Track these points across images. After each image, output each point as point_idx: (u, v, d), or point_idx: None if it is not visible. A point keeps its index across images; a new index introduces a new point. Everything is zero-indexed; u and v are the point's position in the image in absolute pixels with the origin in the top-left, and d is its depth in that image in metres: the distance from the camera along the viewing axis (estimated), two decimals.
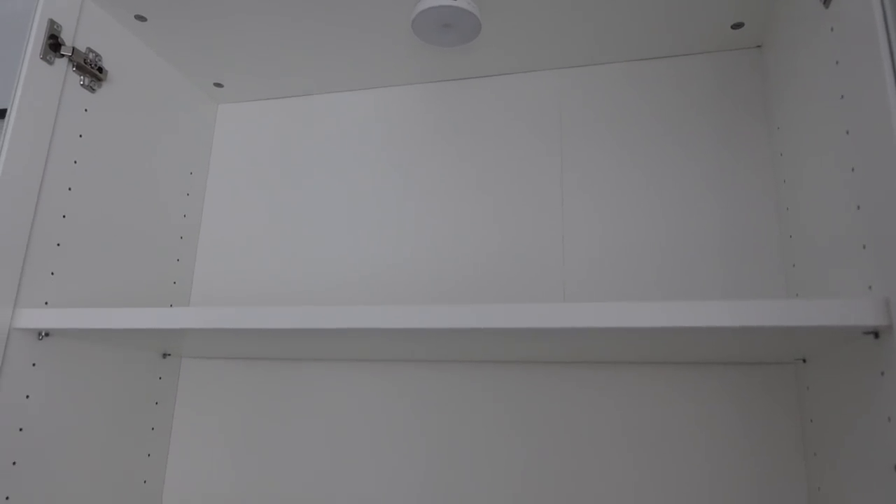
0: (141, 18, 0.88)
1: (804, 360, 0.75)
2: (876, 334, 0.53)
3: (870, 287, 0.54)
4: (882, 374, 0.53)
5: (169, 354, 0.97)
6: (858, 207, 0.56)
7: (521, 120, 0.98)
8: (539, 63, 0.97)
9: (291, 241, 1.02)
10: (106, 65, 0.85)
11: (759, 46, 0.90)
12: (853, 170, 0.57)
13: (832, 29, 0.62)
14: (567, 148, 0.94)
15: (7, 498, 0.70)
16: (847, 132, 0.58)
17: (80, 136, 0.82)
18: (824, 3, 0.63)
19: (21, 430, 0.72)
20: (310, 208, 1.03)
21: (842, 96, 0.60)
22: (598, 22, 0.86)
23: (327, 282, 0.99)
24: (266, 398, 0.96)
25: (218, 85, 1.05)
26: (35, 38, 0.75)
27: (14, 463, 0.71)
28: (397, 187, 1.00)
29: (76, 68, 0.80)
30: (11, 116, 0.73)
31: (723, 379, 0.81)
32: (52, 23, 0.77)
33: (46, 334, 0.76)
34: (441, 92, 1.03)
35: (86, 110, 0.82)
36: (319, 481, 0.91)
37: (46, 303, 0.76)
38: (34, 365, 0.74)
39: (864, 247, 0.55)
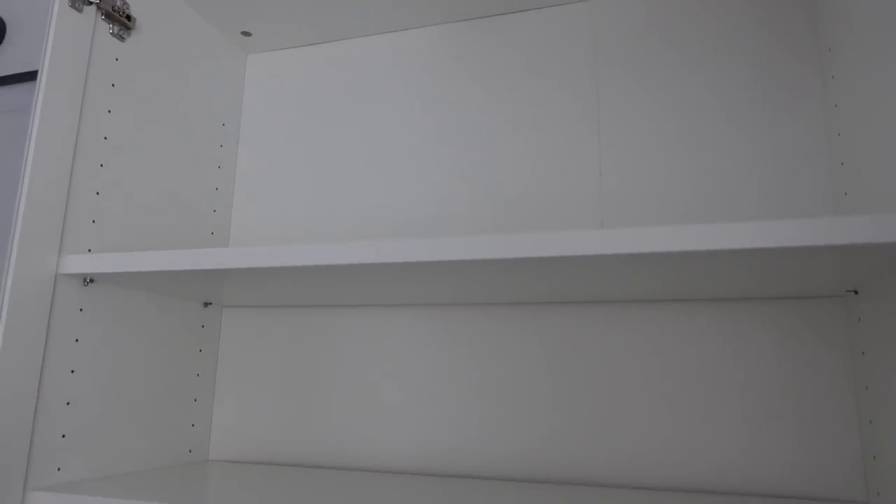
0: None
1: (856, 292, 0.72)
2: None
3: None
4: None
5: (210, 303, 0.99)
6: None
7: (554, 54, 0.94)
8: None
9: (327, 186, 1.02)
10: (134, 13, 0.85)
11: None
12: None
13: None
14: (603, 80, 0.91)
15: (63, 436, 0.73)
16: None
17: (113, 85, 0.82)
18: None
19: (73, 371, 0.75)
20: (343, 153, 1.02)
21: None
22: None
23: (364, 224, 0.99)
24: (306, 344, 0.98)
25: (246, 34, 1.04)
26: None
27: (68, 403, 0.74)
28: (431, 128, 0.98)
29: (105, 16, 0.80)
30: (45, 66, 0.73)
31: (771, 315, 0.78)
32: None
33: (91, 280, 0.78)
34: (474, 30, 1.00)
35: (116, 59, 0.83)
36: (360, 423, 0.92)
37: (89, 250, 0.78)
38: (81, 310, 0.77)
39: None
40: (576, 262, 0.59)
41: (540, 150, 0.92)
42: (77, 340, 0.76)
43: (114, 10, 0.81)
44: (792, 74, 0.83)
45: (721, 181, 0.83)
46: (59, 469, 0.73)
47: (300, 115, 1.06)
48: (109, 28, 0.81)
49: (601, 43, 0.92)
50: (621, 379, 0.83)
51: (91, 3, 0.78)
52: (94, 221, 0.79)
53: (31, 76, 1.26)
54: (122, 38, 0.83)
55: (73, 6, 0.75)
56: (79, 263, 0.73)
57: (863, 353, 0.70)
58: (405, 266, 0.64)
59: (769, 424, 0.76)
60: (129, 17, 0.83)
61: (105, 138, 0.81)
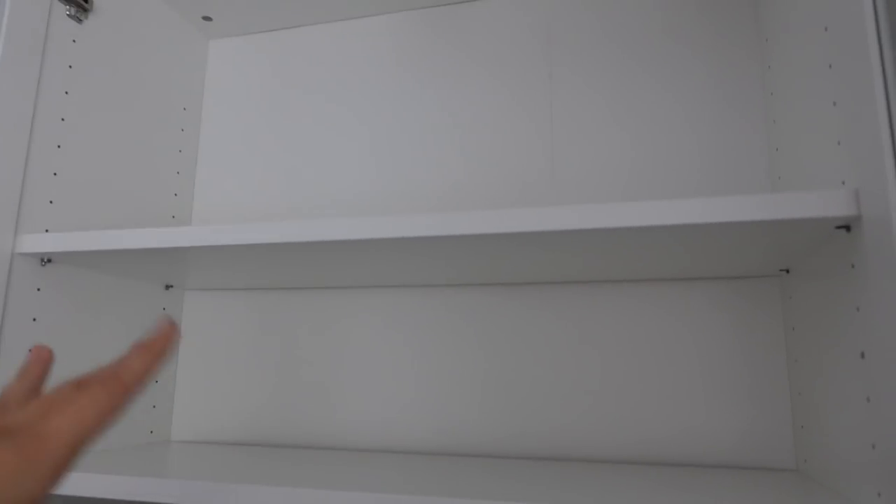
0: None
1: (787, 271, 0.76)
2: (847, 228, 0.54)
3: (843, 182, 0.55)
4: (853, 266, 0.54)
5: (171, 286, 1.00)
6: (834, 104, 0.56)
7: (510, 40, 0.97)
8: None
9: (287, 170, 1.03)
10: None
11: None
12: (830, 66, 0.57)
13: None
14: (555, 66, 0.94)
15: None
16: (826, 28, 0.58)
17: (70, 66, 0.82)
18: None
19: (30, 351, 0.75)
20: (303, 138, 1.04)
21: None
22: None
23: (322, 207, 1.00)
24: (267, 327, 0.99)
25: (207, 18, 1.05)
26: None
27: None
28: (389, 112, 1.00)
29: None
30: None
31: (710, 294, 0.82)
32: None
33: (49, 260, 0.78)
34: (433, 17, 1.02)
35: (74, 41, 0.83)
36: (322, 404, 0.94)
37: (47, 230, 0.78)
38: (39, 290, 0.77)
39: (838, 143, 0.56)
40: (525, 238, 0.62)
41: (495, 133, 0.95)
42: (35, 320, 0.77)
43: None
44: (734, 62, 0.87)
45: (666, 164, 0.87)
46: None
47: (262, 100, 1.07)
48: (66, 9, 0.81)
49: (554, 31, 0.95)
50: (569, 354, 0.86)
51: None
52: (51, 202, 0.79)
53: None
54: (79, 20, 0.83)
55: None
56: (35, 242, 0.74)
57: (793, 328, 0.75)
58: (354, 243, 0.66)
59: (707, 398, 0.80)
60: None
61: (62, 119, 0.81)
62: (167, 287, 0.99)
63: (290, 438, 0.94)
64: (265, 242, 0.67)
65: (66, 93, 0.82)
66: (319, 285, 0.96)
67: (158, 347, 0.38)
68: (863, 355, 0.53)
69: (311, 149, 1.03)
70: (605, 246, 0.65)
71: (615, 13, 0.93)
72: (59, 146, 0.81)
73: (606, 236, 0.61)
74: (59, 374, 0.80)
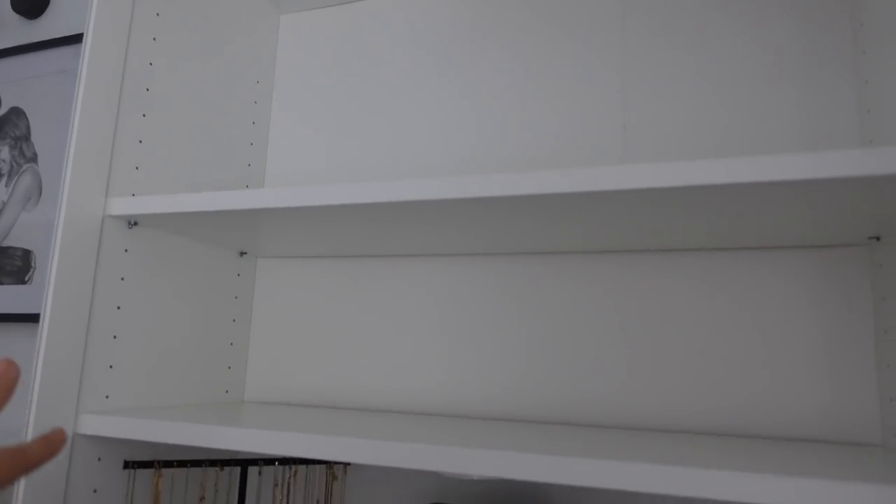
0: None
1: (878, 239, 0.72)
2: None
3: None
4: None
5: (245, 253, 1.03)
6: None
7: (580, 9, 0.95)
8: None
9: (357, 140, 1.05)
10: None
11: None
12: None
13: None
14: (629, 33, 0.91)
15: (111, 367, 0.78)
16: None
17: (154, 38, 0.86)
18: None
19: (119, 308, 0.80)
20: (372, 108, 1.05)
21: None
22: None
23: (394, 174, 1.01)
24: (335, 293, 1.01)
25: None
26: None
27: (115, 337, 0.79)
28: (457, 83, 1.00)
29: None
30: (91, 21, 0.77)
31: (797, 263, 0.79)
32: None
33: (135, 223, 0.82)
34: None
35: (157, 14, 0.86)
36: (387, 369, 0.96)
37: (133, 194, 0.82)
38: (126, 251, 0.81)
39: None
40: (600, 197, 0.61)
41: (566, 102, 0.93)
42: (123, 279, 0.81)
43: None
44: (823, 17, 0.82)
45: (748, 125, 0.84)
46: (107, 397, 0.78)
47: (331, 71, 1.09)
48: None
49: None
50: (650, 325, 0.84)
51: None
52: (137, 168, 0.83)
53: (74, 39, 1.30)
54: None
55: None
56: (123, 205, 0.78)
57: (883, 298, 0.71)
58: (429, 204, 0.66)
59: (791, 369, 0.77)
60: None
61: (147, 90, 0.85)
62: (241, 254, 1.03)
63: (354, 401, 0.97)
64: (336, 204, 0.68)
65: (151, 64, 0.85)
66: (383, 253, 0.97)
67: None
68: None
69: (381, 118, 1.04)
70: (683, 209, 0.63)
71: None
72: (143, 115, 0.84)
73: (685, 196, 0.59)
74: (143, 329, 0.84)
